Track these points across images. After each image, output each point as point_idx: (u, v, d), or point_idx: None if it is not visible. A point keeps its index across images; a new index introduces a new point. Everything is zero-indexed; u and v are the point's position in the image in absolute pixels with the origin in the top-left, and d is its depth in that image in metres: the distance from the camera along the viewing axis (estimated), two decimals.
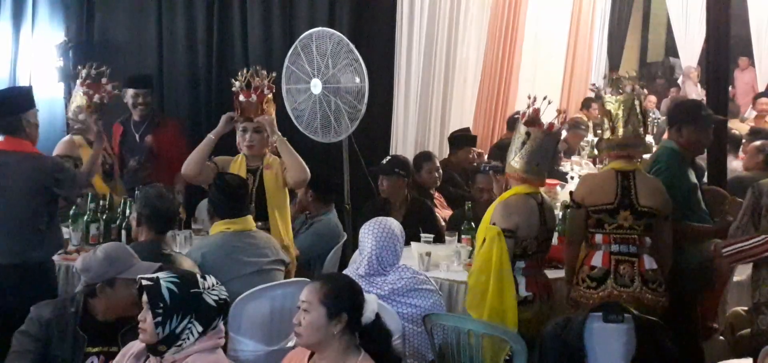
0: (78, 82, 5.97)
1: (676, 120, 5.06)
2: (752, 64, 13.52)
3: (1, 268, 4.60)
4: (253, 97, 5.27)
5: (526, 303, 4.45)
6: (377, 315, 3.34)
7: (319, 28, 6.37)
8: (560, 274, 4.95)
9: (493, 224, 4.41)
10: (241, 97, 5.29)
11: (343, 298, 3.28)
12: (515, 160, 4.55)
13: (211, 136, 5.28)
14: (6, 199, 4.67)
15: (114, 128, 6.56)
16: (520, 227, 4.42)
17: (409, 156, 7.20)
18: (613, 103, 4.68)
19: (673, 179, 4.81)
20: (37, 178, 4.74)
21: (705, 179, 5.82)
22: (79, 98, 5.94)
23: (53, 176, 4.77)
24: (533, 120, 4.55)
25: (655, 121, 10.12)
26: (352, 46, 6.20)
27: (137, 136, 6.57)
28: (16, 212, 4.67)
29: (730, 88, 11.97)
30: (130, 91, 6.48)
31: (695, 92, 13.24)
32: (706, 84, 6.41)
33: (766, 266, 4.37)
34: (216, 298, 3.20)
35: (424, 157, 6.87)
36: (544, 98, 4.61)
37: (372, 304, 3.32)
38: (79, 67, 6.03)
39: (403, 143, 7.66)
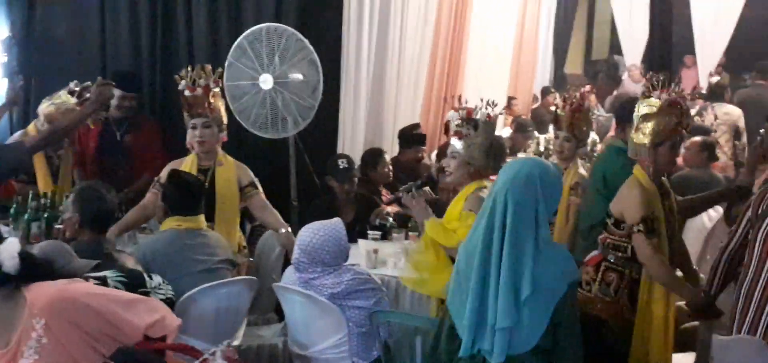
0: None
1: (620, 119, 5.13)
2: (696, 62, 13.76)
3: None
4: (199, 90, 5.22)
5: None
6: (25, 252, 3.16)
7: (270, 24, 6.33)
8: None
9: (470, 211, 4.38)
10: (187, 93, 5.24)
11: None
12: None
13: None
14: None
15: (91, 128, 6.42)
16: None
17: (357, 154, 7.20)
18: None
19: (615, 178, 4.87)
20: None
21: None
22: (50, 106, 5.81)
23: None
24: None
25: (598, 117, 10.23)
26: (305, 41, 6.17)
27: (118, 135, 6.48)
28: None
29: (674, 87, 12.10)
30: (118, 93, 6.40)
31: (635, 90, 13.42)
32: (649, 82, 6.48)
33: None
34: (162, 296, 3.18)
35: (378, 153, 6.88)
36: (491, 102, 4.63)
37: (8, 250, 3.08)
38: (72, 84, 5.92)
39: (352, 141, 7.65)
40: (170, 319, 3.16)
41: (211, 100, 5.28)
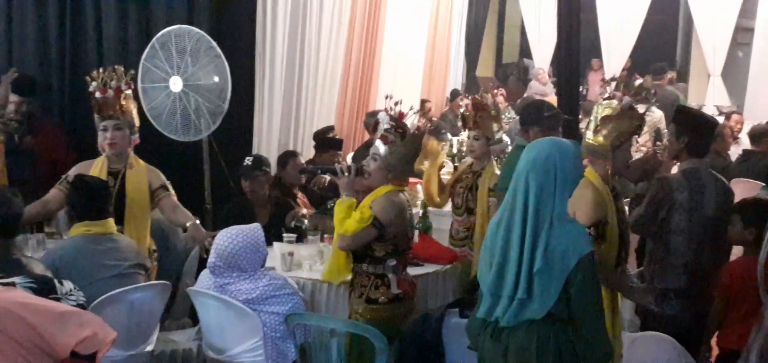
0: None
1: (523, 121, 5.23)
2: (602, 65, 14.12)
3: None
4: (110, 92, 5.14)
5: (398, 300, 4.47)
6: None
7: (179, 26, 6.27)
8: (422, 271, 5.06)
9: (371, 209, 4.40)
10: (98, 95, 5.15)
11: None
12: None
13: None
14: None
15: None
16: (393, 224, 4.43)
17: (273, 155, 7.18)
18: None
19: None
20: None
21: None
22: None
23: None
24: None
25: (510, 119, 10.42)
26: (213, 43, 6.13)
27: (16, 139, 6.32)
28: None
29: (582, 89, 12.50)
30: (15, 98, 6.19)
31: (541, 92, 13.71)
32: (558, 85, 6.66)
33: (678, 254, 4.62)
34: (74, 303, 3.12)
35: (289, 154, 6.87)
36: (402, 105, 4.66)
37: None
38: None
39: (267, 143, 7.62)
40: (103, 334, 3.10)
41: (123, 102, 5.20)
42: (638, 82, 5.03)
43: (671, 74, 13.26)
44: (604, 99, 4.51)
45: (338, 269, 4.60)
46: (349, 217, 4.36)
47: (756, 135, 8.51)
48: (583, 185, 4.32)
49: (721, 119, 10.69)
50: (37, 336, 2.94)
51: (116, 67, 5.29)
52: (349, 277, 4.60)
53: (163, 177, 5.30)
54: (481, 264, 3.52)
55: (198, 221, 5.15)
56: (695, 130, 4.82)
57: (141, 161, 5.27)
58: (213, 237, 4.60)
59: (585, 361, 3.28)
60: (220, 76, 6.18)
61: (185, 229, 5.11)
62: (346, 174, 4.48)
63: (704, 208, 4.65)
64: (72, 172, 5.07)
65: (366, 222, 4.33)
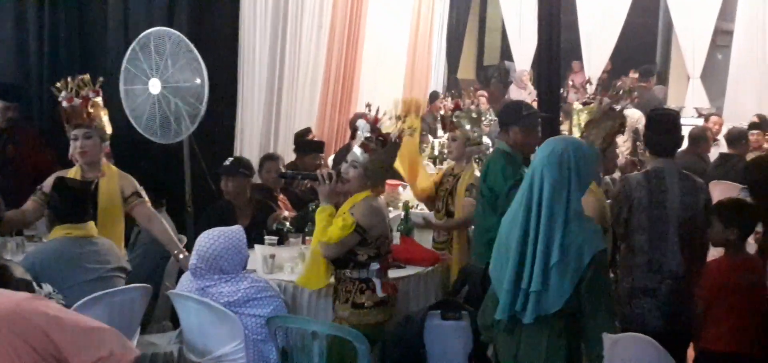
0: None
1: (502, 122, 5.24)
2: (583, 67, 14.17)
3: None
4: (77, 101, 5.10)
5: (383, 304, 4.49)
6: None
7: (158, 28, 6.25)
8: (404, 273, 5.06)
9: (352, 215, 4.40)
10: (65, 104, 5.12)
11: None
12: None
13: None
14: None
15: None
16: (374, 228, 4.45)
17: (254, 157, 7.16)
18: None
19: (494, 178, 4.98)
20: None
21: None
22: None
23: None
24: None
25: (492, 121, 10.43)
26: (191, 45, 6.11)
27: None
28: None
29: (563, 91, 12.53)
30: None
31: (522, 94, 13.73)
32: (538, 86, 6.67)
33: (641, 253, 4.64)
34: None
35: (266, 157, 6.87)
36: (384, 112, 4.65)
37: None
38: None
39: (249, 145, 7.61)
40: (121, 353, 3.11)
41: (91, 110, 5.16)
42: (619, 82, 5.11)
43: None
44: (583, 104, 4.54)
45: (318, 276, 4.58)
46: (331, 224, 4.37)
47: (733, 138, 8.56)
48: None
49: (700, 122, 10.78)
50: (57, 350, 2.95)
51: (83, 76, 5.24)
52: (327, 283, 4.60)
53: (135, 183, 5.23)
54: (494, 261, 3.60)
55: (185, 254, 5.07)
56: (653, 129, 4.83)
57: (113, 167, 5.24)
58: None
59: (592, 355, 3.40)
60: (198, 78, 6.15)
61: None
62: (327, 181, 4.48)
63: (667, 207, 4.65)
64: (47, 183, 5.05)
65: (349, 228, 4.33)
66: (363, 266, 4.46)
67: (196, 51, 6.09)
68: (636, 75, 13.01)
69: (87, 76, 5.21)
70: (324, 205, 4.46)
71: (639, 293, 4.70)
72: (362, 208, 4.41)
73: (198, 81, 6.13)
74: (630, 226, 4.72)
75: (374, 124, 4.55)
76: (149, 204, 5.26)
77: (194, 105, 6.14)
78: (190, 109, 6.13)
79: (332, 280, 4.62)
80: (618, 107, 4.84)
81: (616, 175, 5.03)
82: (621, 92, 4.99)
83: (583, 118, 4.48)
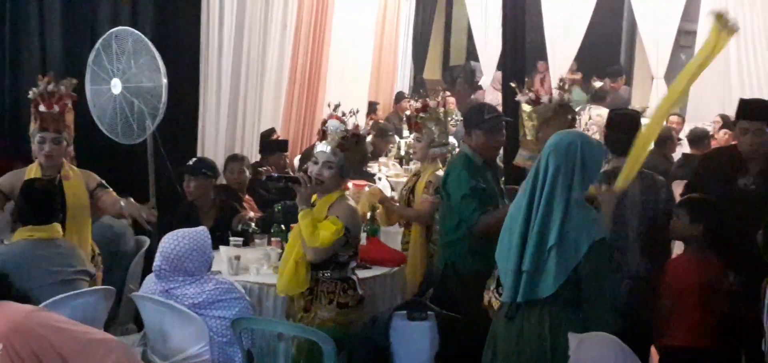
0: None
1: (466, 125, 5.22)
2: (548, 68, 14.24)
3: None
4: (56, 108, 5.06)
5: (362, 302, 4.53)
6: None
7: (120, 27, 6.18)
8: (370, 273, 5.06)
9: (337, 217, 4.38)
10: (42, 108, 5.06)
11: None
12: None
13: None
14: None
15: None
16: (356, 227, 4.49)
17: (219, 159, 7.12)
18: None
19: (451, 181, 4.98)
20: None
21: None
22: None
23: None
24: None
25: (458, 121, 10.46)
26: (150, 44, 6.03)
27: None
28: None
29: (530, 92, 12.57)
30: None
31: (499, 97, 13.75)
32: (504, 87, 6.67)
33: (623, 256, 4.65)
34: None
35: (231, 158, 6.84)
36: (351, 112, 4.65)
37: None
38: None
39: (214, 146, 7.56)
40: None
41: (67, 116, 5.15)
42: (598, 84, 5.13)
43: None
44: (528, 103, 4.55)
45: (299, 280, 4.52)
46: (316, 228, 4.35)
47: (696, 138, 8.64)
48: None
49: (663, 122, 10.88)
50: (63, 361, 3.00)
51: (64, 80, 5.18)
52: (307, 286, 4.57)
53: (96, 177, 5.31)
54: (500, 245, 3.70)
55: (129, 199, 5.15)
56: (614, 128, 4.86)
57: (75, 168, 5.23)
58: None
59: None
60: (158, 77, 6.07)
61: (120, 215, 5.10)
62: (309, 185, 4.47)
63: (626, 206, 4.67)
64: (2, 181, 5.00)
65: (341, 233, 4.34)
66: (343, 266, 4.49)
67: (155, 50, 6.01)
68: (608, 80, 13.13)
69: (71, 80, 5.17)
70: (303, 207, 4.43)
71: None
72: (344, 210, 4.43)
73: (158, 81, 6.05)
74: None
75: (350, 124, 4.56)
76: (113, 192, 5.28)
77: (155, 105, 6.07)
78: (150, 110, 6.06)
79: None
80: (596, 108, 4.87)
81: None
82: (566, 86, 5.03)
83: (535, 119, 4.49)
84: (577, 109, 9.09)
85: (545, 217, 3.47)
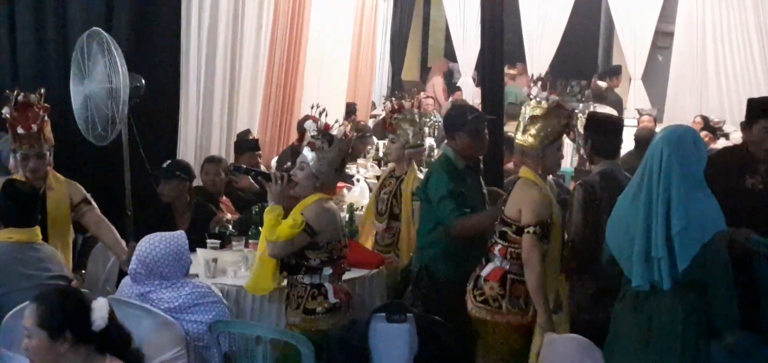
0: None
1: (448, 128, 5.21)
2: (526, 69, 14.27)
3: None
4: (34, 128, 4.99)
5: (335, 310, 4.45)
6: (111, 314, 3.27)
7: (93, 28, 6.11)
8: (349, 276, 5.01)
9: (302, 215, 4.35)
10: (21, 131, 4.97)
11: (62, 315, 3.18)
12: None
13: None
14: None
15: None
16: (325, 231, 4.40)
17: (196, 160, 7.07)
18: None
19: (431, 182, 4.96)
20: None
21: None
22: None
23: None
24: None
25: (436, 123, 10.45)
26: (116, 45, 5.95)
27: None
28: None
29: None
30: None
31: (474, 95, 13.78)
32: (482, 88, 6.66)
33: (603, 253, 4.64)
34: None
35: (207, 160, 6.78)
36: (324, 112, 4.61)
37: (101, 309, 3.24)
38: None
39: (194, 147, 7.52)
40: None
41: (44, 130, 5.08)
42: (603, 84, 5.09)
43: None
44: (532, 98, 4.52)
45: (266, 279, 4.50)
46: (279, 224, 4.31)
47: (642, 141, 8.53)
48: (528, 185, 4.36)
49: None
50: None
51: (33, 94, 5.10)
52: (275, 288, 4.54)
53: (83, 190, 5.24)
54: (615, 239, 3.84)
55: (124, 257, 5.04)
56: (598, 131, 4.87)
57: (60, 177, 5.19)
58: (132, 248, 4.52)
59: (718, 327, 3.67)
60: (116, 80, 6.00)
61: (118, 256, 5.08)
62: (279, 182, 4.43)
63: None
64: None
65: (299, 227, 4.28)
66: (315, 271, 4.42)
67: (119, 51, 5.92)
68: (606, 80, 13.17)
69: (40, 93, 5.09)
70: (272, 204, 4.40)
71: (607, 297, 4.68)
72: (313, 209, 4.37)
73: (118, 82, 5.97)
74: (599, 229, 4.69)
75: (325, 129, 4.51)
76: (97, 210, 5.21)
77: (120, 107, 6.00)
78: (119, 112, 5.99)
79: (284, 283, 4.56)
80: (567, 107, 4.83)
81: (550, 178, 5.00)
82: (568, 90, 5.01)
83: (530, 111, 4.45)
84: (580, 107, 9.11)
85: (667, 204, 3.61)
